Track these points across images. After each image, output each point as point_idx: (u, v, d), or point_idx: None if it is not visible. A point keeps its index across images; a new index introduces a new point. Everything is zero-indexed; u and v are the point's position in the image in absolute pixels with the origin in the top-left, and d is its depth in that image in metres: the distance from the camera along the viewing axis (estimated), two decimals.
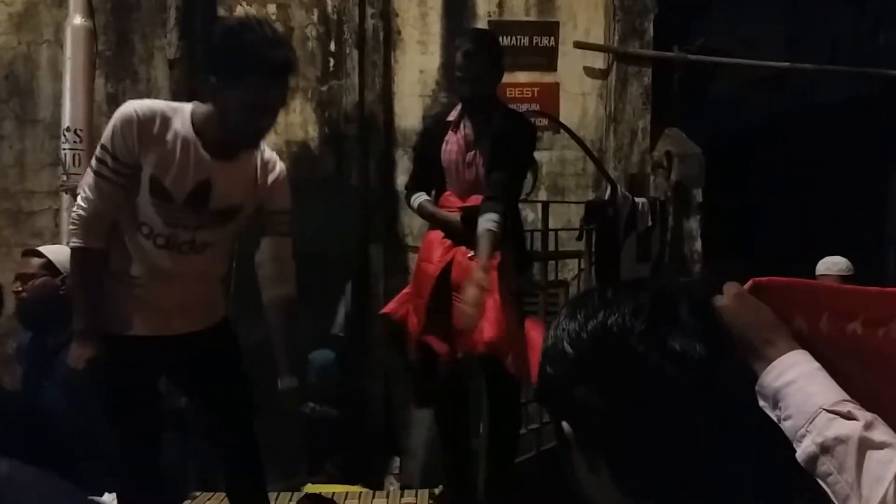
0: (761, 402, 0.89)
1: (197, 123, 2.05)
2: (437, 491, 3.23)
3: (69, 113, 3.75)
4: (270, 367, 2.35)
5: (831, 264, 3.74)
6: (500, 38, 3.35)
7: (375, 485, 3.73)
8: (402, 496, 3.25)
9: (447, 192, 2.89)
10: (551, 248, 3.69)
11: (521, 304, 2.96)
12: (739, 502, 0.79)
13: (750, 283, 0.95)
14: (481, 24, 4.25)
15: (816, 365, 0.89)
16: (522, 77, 4.28)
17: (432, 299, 2.77)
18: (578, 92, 4.34)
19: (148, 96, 4.21)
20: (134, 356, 2.15)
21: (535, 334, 2.68)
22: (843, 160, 4.66)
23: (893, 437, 0.82)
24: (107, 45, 4.16)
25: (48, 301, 2.56)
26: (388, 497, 3.25)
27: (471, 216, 2.77)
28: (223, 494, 2.50)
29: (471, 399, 3.04)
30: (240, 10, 4.26)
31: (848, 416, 0.84)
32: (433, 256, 2.84)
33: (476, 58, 2.72)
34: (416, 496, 3.18)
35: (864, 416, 0.84)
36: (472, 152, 2.83)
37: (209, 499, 3.06)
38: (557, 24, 4.32)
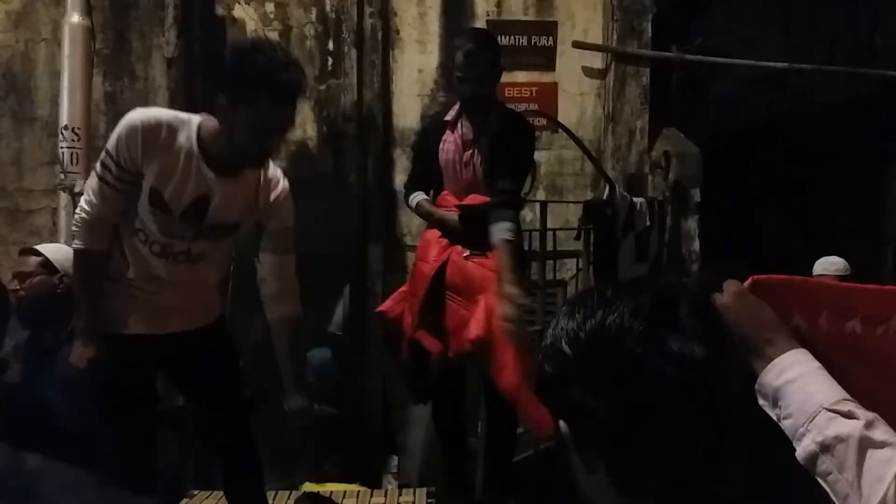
0: (761, 401, 0.88)
1: (203, 138, 2.05)
2: (433, 489, 3.23)
3: (67, 111, 3.74)
4: (268, 367, 2.35)
5: (828, 264, 3.74)
6: (499, 38, 3.35)
7: (373, 483, 3.73)
8: (399, 495, 3.25)
9: (444, 192, 2.90)
10: (549, 247, 3.69)
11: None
12: (737, 502, 0.79)
13: (749, 281, 0.95)
14: (480, 23, 4.25)
15: (816, 364, 0.89)
16: (521, 77, 4.28)
17: (427, 298, 2.78)
18: (577, 92, 4.34)
19: (146, 95, 4.23)
20: (129, 354, 2.17)
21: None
22: (841, 160, 4.67)
23: (894, 437, 0.82)
24: (105, 44, 4.15)
25: (46, 299, 2.56)
26: (385, 495, 3.25)
27: (468, 215, 2.77)
28: (221, 493, 2.50)
29: (468, 398, 3.05)
30: (238, 9, 4.26)
31: (848, 415, 0.84)
32: (429, 255, 2.84)
33: (476, 58, 2.72)
34: (414, 495, 3.18)
35: (864, 414, 0.84)
36: (470, 151, 2.83)
37: (207, 497, 3.06)
38: (556, 23, 4.31)
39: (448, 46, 4.09)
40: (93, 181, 2.10)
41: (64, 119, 3.74)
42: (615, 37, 4.23)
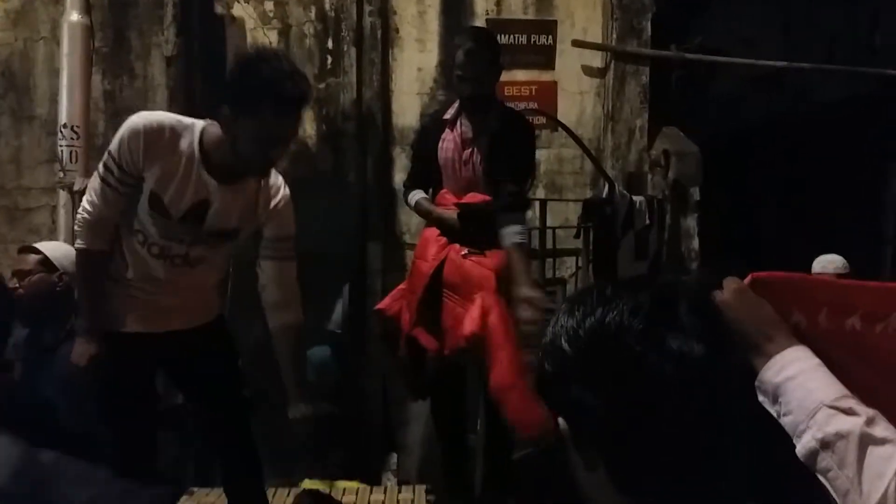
0: (761, 398, 0.89)
1: (205, 144, 2.05)
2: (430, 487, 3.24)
3: (66, 109, 3.73)
4: (268, 366, 2.35)
5: (827, 262, 3.74)
6: (498, 37, 3.35)
7: (373, 480, 3.73)
8: (399, 492, 3.25)
9: (443, 190, 2.90)
10: (549, 246, 3.69)
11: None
12: (737, 499, 0.79)
13: (749, 278, 0.95)
14: (479, 22, 4.25)
15: (817, 361, 0.89)
16: (520, 75, 4.28)
17: (425, 296, 2.78)
18: (576, 90, 4.34)
19: (145, 93, 4.22)
20: (129, 353, 2.17)
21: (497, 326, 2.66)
22: (840, 159, 4.67)
23: (895, 433, 0.82)
24: (104, 42, 4.14)
25: (45, 297, 2.56)
26: (385, 492, 3.25)
27: (467, 214, 2.78)
28: (221, 490, 2.50)
29: (467, 396, 3.05)
30: (237, 7, 4.25)
31: (849, 412, 0.84)
32: (428, 254, 2.85)
33: (477, 56, 2.72)
34: (414, 492, 3.18)
35: (865, 411, 0.84)
36: (469, 150, 2.83)
37: (207, 494, 3.06)
38: (555, 22, 4.31)
39: (447, 45, 4.08)
40: (95, 182, 2.10)
41: (63, 117, 3.74)
42: (615, 35, 4.23)
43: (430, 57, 4.30)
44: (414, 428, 3.99)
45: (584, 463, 0.80)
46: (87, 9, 3.81)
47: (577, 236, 3.82)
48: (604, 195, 3.82)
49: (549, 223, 3.68)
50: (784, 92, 4.86)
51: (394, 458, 4.09)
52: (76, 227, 2.18)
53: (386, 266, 4.15)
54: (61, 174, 3.75)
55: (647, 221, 3.85)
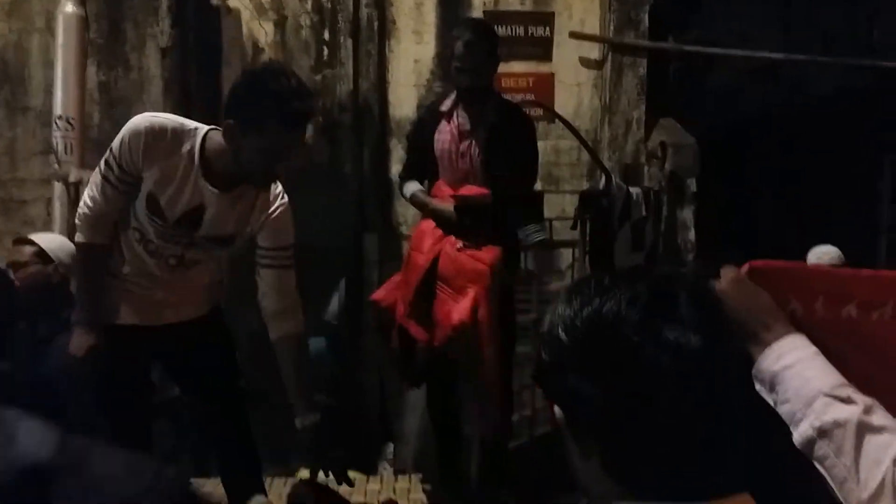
0: (758, 386, 0.89)
1: (207, 150, 2.05)
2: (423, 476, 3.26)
3: (61, 101, 3.71)
4: (263, 358, 2.34)
5: (822, 254, 3.74)
6: (496, 28, 3.34)
7: (370, 470, 3.74)
8: (395, 481, 3.26)
9: (439, 182, 2.89)
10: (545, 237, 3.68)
11: (512, 299, 2.98)
12: (732, 488, 0.79)
13: (746, 266, 0.95)
14: (476, 13, 4.23)
15: (814, 349, 0.89)
16: (517, 67, 4.26)
17: (419, 288, 2.78)
18: (573, 82, 4.33)
19: (140, 84, 4.21)
20: (124, 345, 2.17)
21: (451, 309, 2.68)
22: (836, 151, 4.67)
23: (892, 422, 0.82)
24: (98, 33, 4.12)
25: (41, 289, 2.55)
26: (381, 482, 3.26)
27: (463, 206, 2.77)
28: (218, 480, 2.50)
29: (462, 387, 3.05)
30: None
31: (847, 400, 0.84)
32: (423, 246, 2.84)
33: (475, 48, 2.72)
34: (410, 481, 3.19)
35: (862, 400, 0.84)
36: (467, 142, 2.82)
37: (203, 485, 3.06)
38: (553, 14, 4.30)
39: (444, 36, 4.07)
40: (97, 177, 2.11)
41: (58, 108, 3.72)
42: (612, 27, 4.22)
43: (426, 48, 4.29)
44: (410, 418, 3.99)
45: (579, 451, 0.80)
46: (81, 0, 3.79)
47: (573, 228, 3.82)
48: (601, 187, 3.82)
49: (545, 215, 3.67)
50: (781, 85, 4.86)
51: (390, 447, 4.10)
52: (77, 221, 2.19)
53: (382, 257, 4.15)
54: (56, 166, 3.73)
55: (644, 213, 3.85)
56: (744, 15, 4.69)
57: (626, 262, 3.65)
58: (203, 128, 2.08)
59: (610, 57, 4.22)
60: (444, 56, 4.05)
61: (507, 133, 2.79)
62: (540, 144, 4.17)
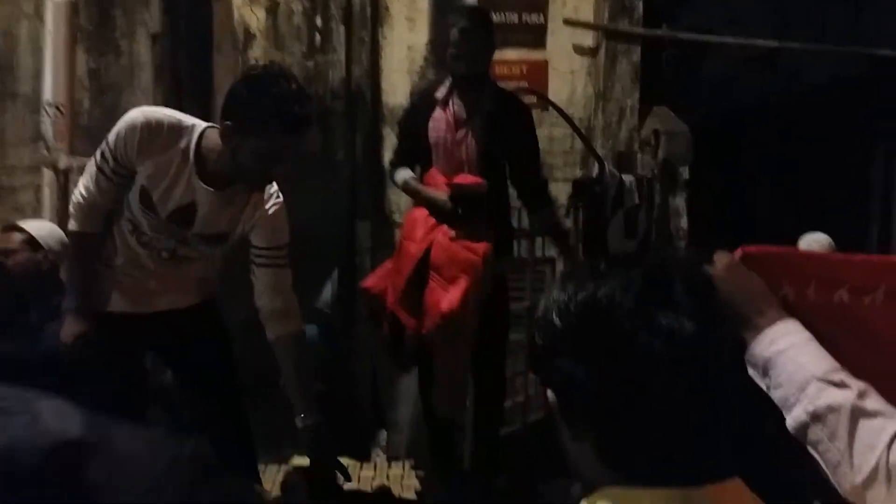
0: (751, 371, 0.89)
1: (203, 148, 2.04)
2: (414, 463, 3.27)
3: (50, 87, 3.68)
4: (256, 345, 2.34)
5: (812, 241, 3.74)
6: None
7: (363, 457, 3.75)
8: (389, 468, 3.27)
9: (433, 170, 2.88)
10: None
11: (506, 287, 2.98)
12: (725, 474, 0.79)
13: (739, 251, 0.94)
14: (470, 0, 4.21)
15: (807, 334, 0.89)
16: (511, 54, 4.24)
17: (411, 277, 2.78)
18: (567, 69, 4.32)
19: (131, 71, 4.17)
20: (117, 333, 2.17)
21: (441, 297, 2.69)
22: (831, 140, 4.68)
23: (886, 407, 0.83)
24: (88, 19, 4.08)
25: (31, 276, 2.54)
26: (375, 469, 3.27)
27: (459, 195, 2.76)
28: None
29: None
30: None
31: (840, 385, 0.84)
32: (416, 235, 2.83)
33: (472, 34, 2.71)
34: (403, 468, 3.20)
35: (856, 384, 0.84)
36: (463, 131, 2.81)
37: None
38: (546, 1, 4.27)
39: (438, 23, 4.05)
40: (92, 167, 2.11)
41: (47, 95, 3.68)
42: (606, 14, 4.20)
43: (420, 35, 4.26)
44: (403, 405, 4.00)
45: (571, 434, 0.80)
46: None
47: (566, 216, 3.82)
48: (594, 174, 3.82)
49: None
50: (775, 73, 4.86)
51: (383, 434, 4.11)
52: (70, 210, 2.19)
53: (375, 245, 4.14)
54: (46, 152, 3.70)
55: (637, 201, 3.86)
56: (737, 2, 4.68)
57: (619, 249, 3.66)
58: (200, 125, 2.07)
59: (604, 44, 4.21)
60: (437, 43, 4.04)
61: (505, 121, 2.78)
62: None
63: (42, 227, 2.68)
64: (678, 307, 0.77)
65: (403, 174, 2.94)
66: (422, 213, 2.87)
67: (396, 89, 4.25)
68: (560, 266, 3.91)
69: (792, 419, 0.85)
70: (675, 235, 4.04)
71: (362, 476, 3.18)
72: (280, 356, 2.18)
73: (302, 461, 2.42)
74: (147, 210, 2.08)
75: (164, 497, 0.77)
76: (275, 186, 2.19)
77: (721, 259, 0.91)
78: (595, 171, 3.83)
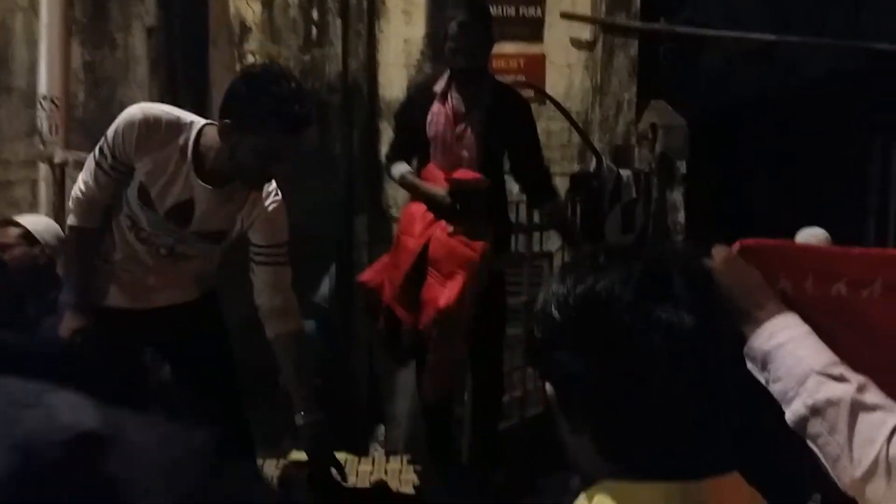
0: (750, 364, 0.88)
1: (201, 145, 2.03)
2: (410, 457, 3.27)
3: (45, 81, 3.66)
4: (255, 343, 2.33)
5: (809, 236, 3.74)
6: None
7: (361, 451, 3.75)
8: (387, 462, 3.28)
9: (431, 164, 2.86)
10: (536, 219, 3.68)
11: (503, 281, 2.98)
12: (724, 467, 0.79)
13: (737, 244, 0.94)
14: None
15: (806, 328, 0.89)
16: (508, 48, 4.23)
17: (409, 272, 2.77)
18: (564, 63, 4.31)
19: (126, 64, 4.15)
20: (115, 328, 2.17)
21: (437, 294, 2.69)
22: (828, 133, 4.68)
23: (885, 400, 0.83)
24: (83, 12, 4.06)
25: (27, 271, 2.54)
26: (373, 463, 3.27)
27: (458, 190, 2.75)
28: None
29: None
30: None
31: (840, 379, 0.84)
32: (414, 230, 2.82)
33: (470, 28, 2.70)
34: (401, 462, 3.21)
35: (856, 378, 0.84)
36: (463, 125, 2.79)
37: None
38: None
39: (434, 17, 4.04)
40: (91, 163, 2.11)
41: (42, 89, 3.66)
42: (603, 8, 4.20)
43: (416, 29, 4.25)
44: (401, 400, 4.00)
45: (569, 427, 0.80)
46: None
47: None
48: (591, 169, 3.81)
49: None
50: (772, 67, 4.85)
51: (381, 429, 4.12)
52: (69, 204, 2.19)
53: (372, 239, 4.14)
54: (41, 146, 3.69)
55: (634, 195, 3.86)
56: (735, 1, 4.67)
57: (617, 243, 3.66)
58: (199, 122, 2.06)
59: (601, 38, 4.20)
60: (433, 36, 4.02)
61: (504, 115, 2.78)
62: None
63: (38, 222, 2.67)
64: (677, 300, 0.76)
65: (400, 168, 2.93)
66: (419, 207, 2.86)
67: (393, 83, 4.24)
68: (559, 260, 3.91)
69: (791, 413, 0.85)
70: (672, 229, 4.04)
71: (360, 470, 3.18)
72: (279, 354, 2.17)
73: (300, 456, 2.42)
74: (145, 206, 2.08)
75: (178, 488, 0.77)
76: (273, 184, 2.18)
77: (719, 252, 0.91)
78: (592, 165, 3.83)
